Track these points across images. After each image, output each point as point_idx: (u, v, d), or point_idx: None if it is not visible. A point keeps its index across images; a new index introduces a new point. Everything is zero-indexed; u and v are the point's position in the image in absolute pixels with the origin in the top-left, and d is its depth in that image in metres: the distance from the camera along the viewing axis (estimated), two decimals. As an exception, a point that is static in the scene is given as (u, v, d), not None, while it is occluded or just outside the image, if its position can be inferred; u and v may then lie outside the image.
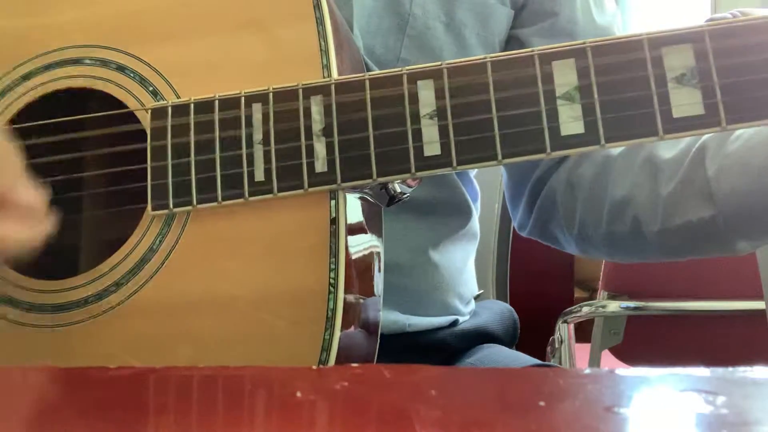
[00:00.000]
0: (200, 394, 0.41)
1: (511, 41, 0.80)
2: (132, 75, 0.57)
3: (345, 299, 0.51)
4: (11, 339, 0.55)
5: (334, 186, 0.52)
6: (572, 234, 0.78)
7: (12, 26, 0.60)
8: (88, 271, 0.55)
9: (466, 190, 0.83)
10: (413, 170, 0.51)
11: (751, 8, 0.55)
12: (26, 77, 0.59)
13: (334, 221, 0.52)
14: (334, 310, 0.51)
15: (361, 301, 0.56)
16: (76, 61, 0.58)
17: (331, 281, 0.51)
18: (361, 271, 0.56)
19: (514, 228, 0.90)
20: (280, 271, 0.52)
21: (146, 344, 0.53)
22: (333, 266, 0.51)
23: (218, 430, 0.35)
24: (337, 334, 0.51)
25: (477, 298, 0.90)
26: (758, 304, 1.31)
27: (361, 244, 0.56)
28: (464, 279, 0.84)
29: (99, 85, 0.57)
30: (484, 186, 0.91)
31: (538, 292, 1.67)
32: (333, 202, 0.52)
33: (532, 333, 1.09)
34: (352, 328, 0.54)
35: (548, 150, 0.50)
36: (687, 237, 0.68)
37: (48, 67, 0.58)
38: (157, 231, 0.54)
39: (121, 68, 0.57)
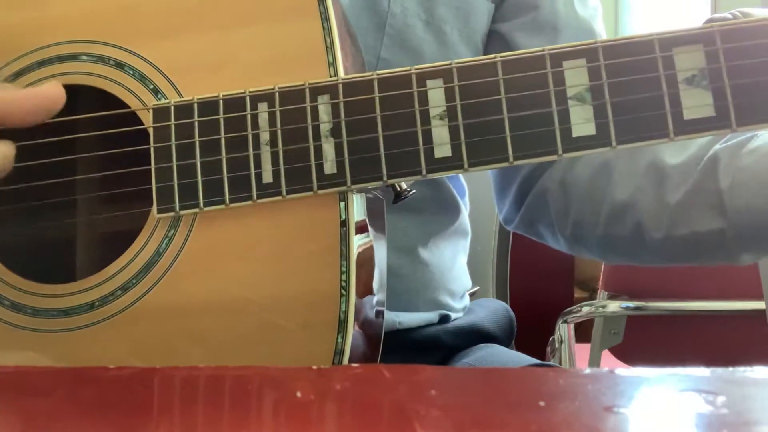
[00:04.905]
0: (200, 394, 0.41)
1: (493, 36, 0.79)
2: (131, 72, 0.55)
3: (356, 301, 0.51)
4: (13, 344, 0.54)
5: (343, 188, 0.51)
6: (564, 234, 0.78)
7: (4, 20, 0.58)
8: (94, 275, 0.54)
9: (452, 186, 0.83)
10: (424, 172, 0.51)
11: (751, 8, 0.55)
12: (19, 74, 0.57)
13: (344, 223, 0.51)
14: (346, 313, 0.50)
15: (370, 301, 0.56)
16: (72, 57, 0.57)
17: (343, 284, 0.51)
18: (367, 270, 0.55)
19: (514, 227, 0.90)
20: (290, 274, 0.52)
21: (155, 348, 0.53)
22: (344, 269, 0.51)
23: (218, 429, 0.35)
24: (350, 337, 0.50)
25: (473, 295, 0.90)
26: (758, 304, 1.31)
27: (366, 242, 0.55)
28: (454, 275, 0.84)
29: (97, 83, 0.56)
30: (484, 184, 0.91)
31: (538, 291, 1.67)
32: (342, 204, 0.52)
33: (532, 333, 1.09)
34: (361, 329, 0.54)
35: (560, 152, 0.50)
36: (691, 246, 0.67)
37: (42, 63, 0.57)
38: (163, 234, 0.53)
39: (119, 65, 0.56)
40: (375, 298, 0.57)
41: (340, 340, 0.50)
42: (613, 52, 0.50)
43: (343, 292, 0.51)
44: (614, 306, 1.45)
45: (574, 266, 1.82)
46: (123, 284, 0.53)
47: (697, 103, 0.49)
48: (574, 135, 0.50)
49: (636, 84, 0.49)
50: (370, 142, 0.51)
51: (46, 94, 0.52)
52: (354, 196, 0.53)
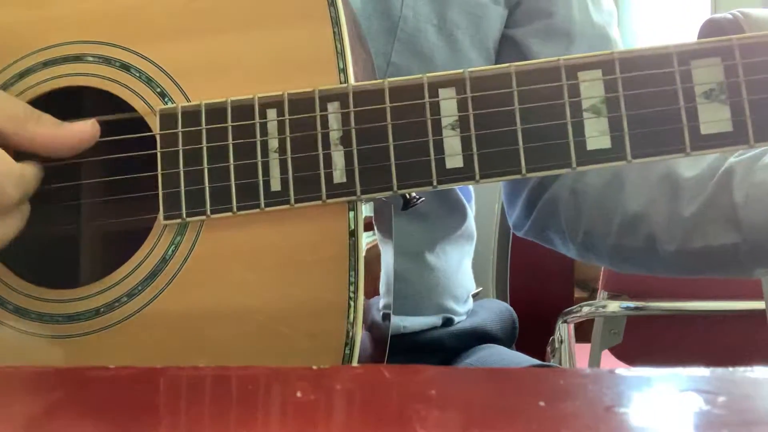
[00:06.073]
0: (200, 394, 0.41)
1: (506, 42, 0.79)
2: (138, 74, 0.54)
3: (364, 302, 0.50)
4: (16, 349, 0.54)
5: (353, 197, 0.51)
6: (575, 242, 0.77)
7: (8, 19, 0.57)
8: (99, 280, 0.53)
9: (459, 190, 0.83)
10: (435, 183, 0.50)
11: (751, 8, 0.55)
12: (24, 74, 0.56)
13: (353, 233, 0.51)
14: (353, 324, 0.50)
15: (377, 303, 0.55)
16: (78, 58, 0.55)
17: (351, 295, 0.50)
18: (374, 270, 0.55)
19: (513, 227, 0.90)
20: (297, 284, 0.51)
21: (160, 356, 0.52)
22: (353, 279, 0.50)
23: (218, 429, 0.35)
24: (357, 348, 0.50)
25: (476, 296, 0.90)
26: (758, 304, 1.31)
27: (372, 241, 0.55)
28: (459, 280, 0.84)
29: (103, 85, 0.55)
30: (484, 185, 0.90)
31: (538, 292, 1.67)
32: (352, 214, 0.51)
33: (532, 333, 1.09)
34: (368, 333, 0.53)
35: (573, 164, 0.49)
36: (704, 259, 0.67)
37: (47, 64, 0.56)
38: (169, 240, 0.53)
39: (125, 67, 0.55)
40: (382, 302, 0.57)
41: (347, 351, 0.50)
42: (629, 64, 0.49)
43: (351, 303, 0.50)
44: (614, 306, 1.46)
45: (574, 266, 1.83)
46: (128, 291, 0.53)
47: (714, 118, 0.48)
48: (589, 148, 0.49)
49: (653, 97, 0.49)
50: (381, 151, 0.50)
51: (85, 132, 0.53)
52: (363, 205, 0.52)
